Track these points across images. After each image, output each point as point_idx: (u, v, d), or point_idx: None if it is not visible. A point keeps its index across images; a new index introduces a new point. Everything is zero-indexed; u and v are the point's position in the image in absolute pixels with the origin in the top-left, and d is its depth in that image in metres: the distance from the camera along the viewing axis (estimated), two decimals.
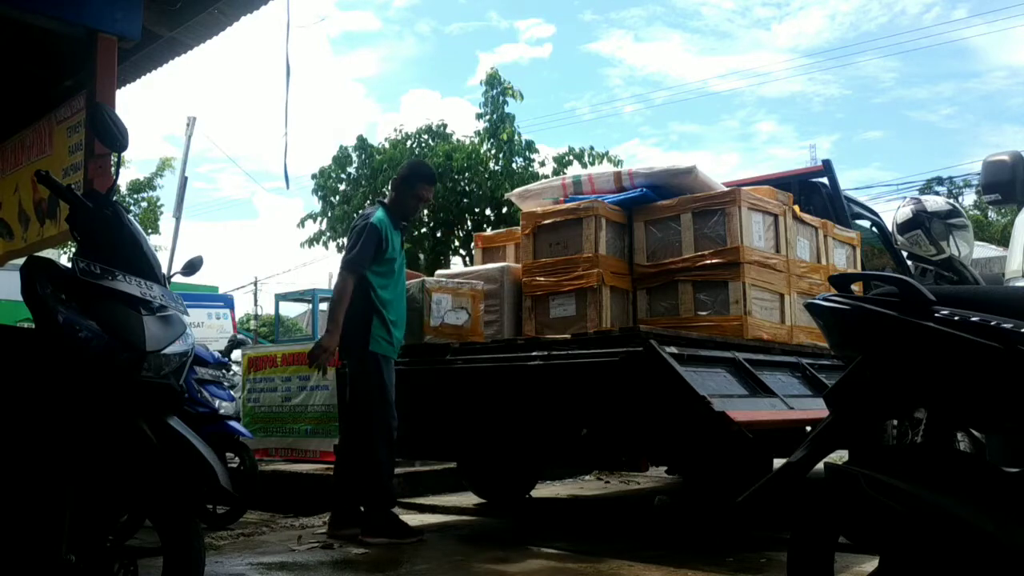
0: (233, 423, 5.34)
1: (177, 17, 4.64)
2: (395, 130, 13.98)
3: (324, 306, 13.46)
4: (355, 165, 13.68)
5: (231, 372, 6.48)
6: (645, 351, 3.51)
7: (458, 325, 4.61)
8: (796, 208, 4.91)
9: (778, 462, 2.31)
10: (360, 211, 4.51)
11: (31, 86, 5.08)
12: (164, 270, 2.58)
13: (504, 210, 12.39)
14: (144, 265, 2.42)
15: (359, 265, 4.05)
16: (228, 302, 13.96)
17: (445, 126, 13.72)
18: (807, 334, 4.68)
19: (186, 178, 12.34)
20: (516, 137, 12.87)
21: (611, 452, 3.85)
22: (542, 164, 13.18)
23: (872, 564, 1.82)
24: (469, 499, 5.33)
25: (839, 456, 1.83)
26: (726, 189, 4.67)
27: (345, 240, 4.74)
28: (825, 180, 6.07)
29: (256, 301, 31.72)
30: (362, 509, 4.09)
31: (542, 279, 4.68)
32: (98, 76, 4.10)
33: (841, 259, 5.30)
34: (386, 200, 4.35)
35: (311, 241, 13.98)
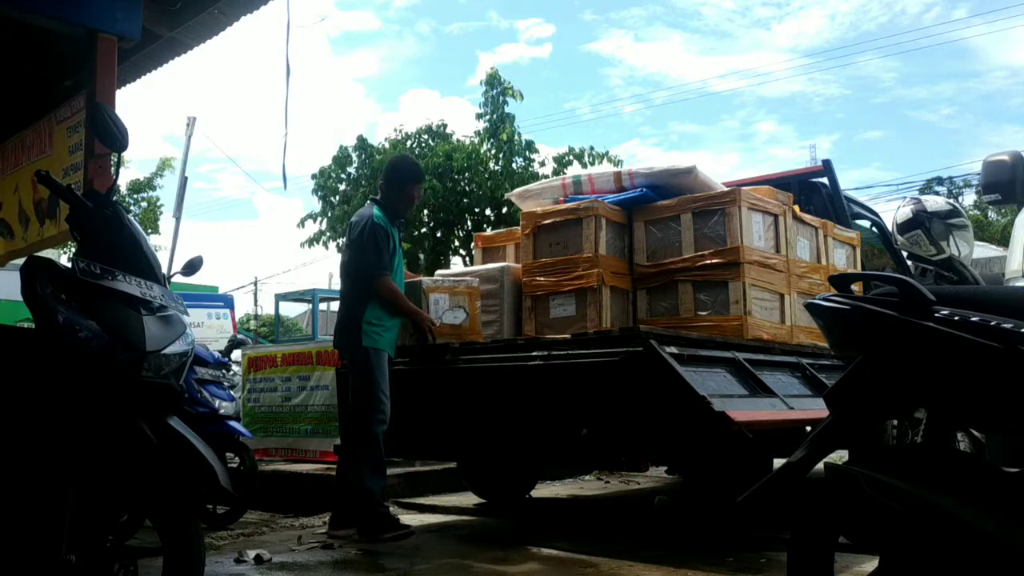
0: (233, 423, 5.33)
1: (177, 17, 4.64)
2: (395, 130, 14.00)
3: (324, 306, 13.50)
4: (355, 165, 13.68)
5: (231, 372, 6.47)
6: (645, 351, 3.51)
7: (456, 324, 4.61)
8: (796, 208, 4.91)
9: (778, 462, 2.31)
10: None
11: (31, 86, 5.08)
12: (164, 270, 2.58)
13: (504, 210, 12.40)
14: (144, 265, 2.42)
15: (384, 267, 4.11)
16: (228, 302, 13.95)
17: (445, 126, 13.73)
18: (807, 334, 4.68)
19: (186, 178, 12.35)
20: (516, 137, 12.87)
21: (611, 452, 3.85)
22: (542, 164, 13.18)
23: (872, 564, 1.82)
24: (469, 499, 5.33)
25: (839, 456, 1.83)
26: (726, 189, 4.67)
27: (344, 240, 4.69)
28: (825, 180, 6.07)
29: (256, 301, 31.74)
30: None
31: (542, 279, 4.68)
32: (98, 76, 4.10)
33: (841, 259, 5.30)
34: (379, 197, 4.36)
35: (311, 241, 13.98)
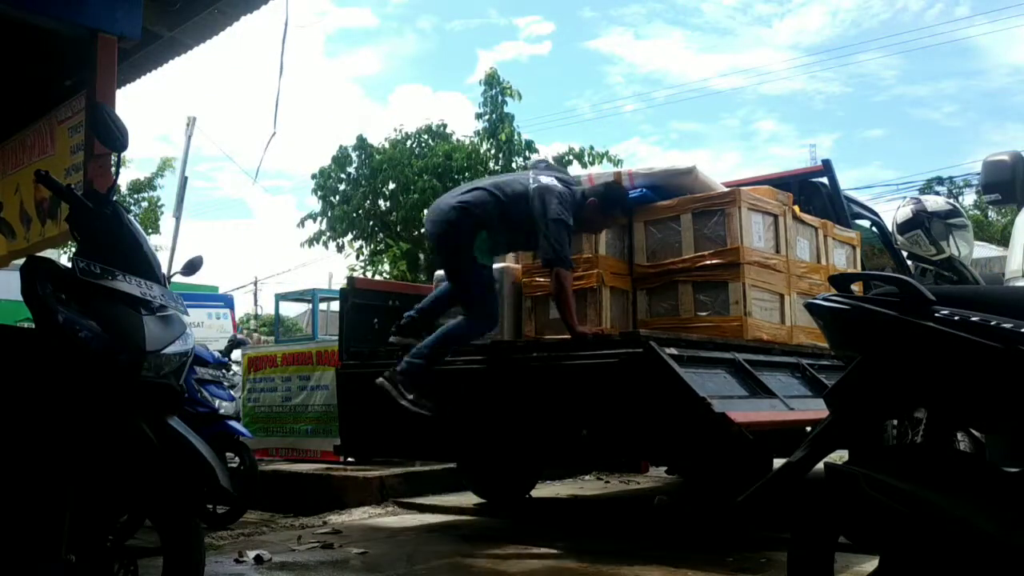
0: (233, 423, 5.33)
1: (177, 17, 4.64)
2: (395, 130, 14.01)
3: (324, 306, 13.49)
4: (355, 165, 13.69)
5: (231, 372, 6.47)
6: (645, 352, 3.51)
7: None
8: (796, 208, 4.91)
9: (778, 462, 2.31)
10: (536, 180, 4.14)
11: (31, 86, 5.08)
12: (164, 270, 2.58)
13: None
14: (144, 265, 2.42)
15: (570, 263, 4.08)
16: (228, 302, 13.93)
17: (445, 126, 13.74)
18: (807, 334, 4.68)
19: (186, 178, 12.35)
20: (516, 137, 12.88)
21: (611, 453, 3.84)
22: None
23: (872, 564, 1.82)
24: (469, 499, 5.33)
25: (839, 456, 1.83)
26: (726, 189, 4.66)
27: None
28: (825, 180, 6.06)
29: (256, 301, 31.74)
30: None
31: (542, 280, 4.67)
32: (98, 76, 4.09)
33: (841, 259, 5.30)
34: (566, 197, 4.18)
35: (311, 241, 13.99)
